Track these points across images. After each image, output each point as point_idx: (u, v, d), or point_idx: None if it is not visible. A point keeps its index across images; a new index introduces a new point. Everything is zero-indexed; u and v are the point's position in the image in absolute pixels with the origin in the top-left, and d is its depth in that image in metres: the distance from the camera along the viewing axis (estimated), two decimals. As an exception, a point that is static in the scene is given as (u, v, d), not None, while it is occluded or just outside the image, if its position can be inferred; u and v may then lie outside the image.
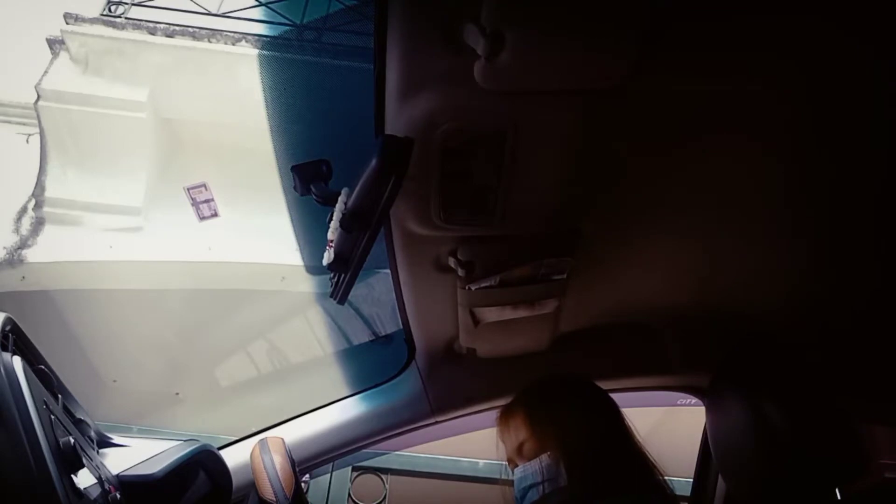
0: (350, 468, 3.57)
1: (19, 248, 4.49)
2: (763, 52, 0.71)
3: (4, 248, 4.47)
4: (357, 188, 0.79)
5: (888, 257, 1.01)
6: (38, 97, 4.47)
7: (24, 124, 4.83)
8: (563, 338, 1.23)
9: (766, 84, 0.75)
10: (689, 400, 1.43)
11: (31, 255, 4.49)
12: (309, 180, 0.86)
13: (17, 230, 4.54)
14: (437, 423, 1.36)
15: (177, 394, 4.63)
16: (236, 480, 1.21)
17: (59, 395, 0.93)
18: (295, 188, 0.87)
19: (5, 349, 0.82)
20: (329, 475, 3.50)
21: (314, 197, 0.85)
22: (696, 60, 0.71)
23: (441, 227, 0.87)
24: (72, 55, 4.55)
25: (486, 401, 1.34)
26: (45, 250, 4.51)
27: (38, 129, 4.56)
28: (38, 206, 4.59)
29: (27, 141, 4.77)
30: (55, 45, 4.60)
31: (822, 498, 1.00)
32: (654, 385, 1.38)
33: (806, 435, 0.95)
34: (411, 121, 0.73)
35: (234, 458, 1.24)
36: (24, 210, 4.60)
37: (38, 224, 4.57)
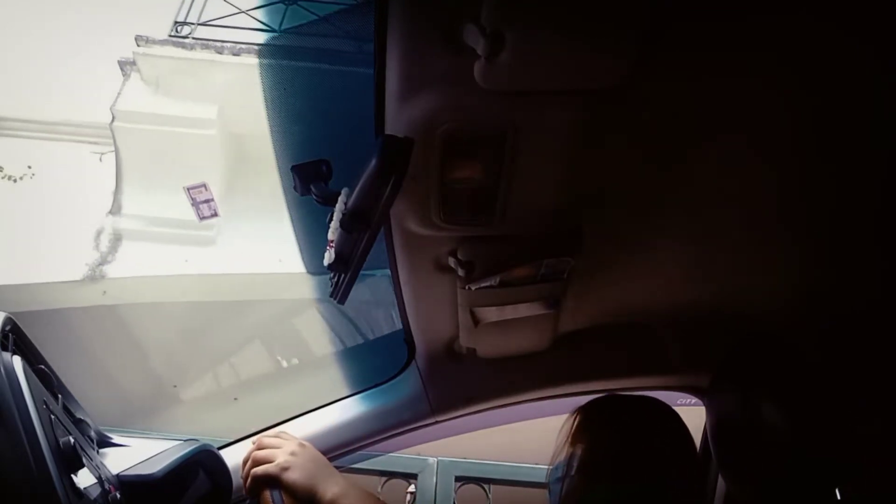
0: (453, 478, 3.56)
1: (100, 264, 4.75)
2: (763, 52, 0.71)
3: (87, 264, 4.72)
4: (357, 188, 0.79)
5: (888, 257, 1.01)
6: (113, 118, 4.69)
7: (96, 143, 5.07)
8: (563, 338, 1.23)
9: (766, 84, 0.75)
10: (689, 400, 1.43)
11: (111, 270, 4.75)
12: (309, 180, 0.86)
13: (97, 247, 4.81)
14: (437, 422, 1.35)
15: (235, 399, 4.74)
16: (236, 480, 1.21)
17: (59, 395, 0.93)
18: (295, 188, 0.87)
19: (5, 349, 0.82)
20: (434, 486, 3.52)
21: (314, 197, 0.85)
22: (696, 60, 0.71)
23: (441, 227, 0.87)
24: (143, 76, 4.78)
25: (486, 401, 1.34)
26: (124, 265, 4.77)
27: (110, 148, 4.82)
28: (115, 222, 4.84)
29: (100, 160, 5.03)
30: (126, 66, 4.83)
31: (822, 498, 1.00)
32: (654, 385, 1.38)
33: (806, 435, 0.95)
34: (411, 121, 0.73)
35: (234, 458, 1.23)
36: (102, 227, 4.86)
37: (117, 240, 4.84)
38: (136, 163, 4.76)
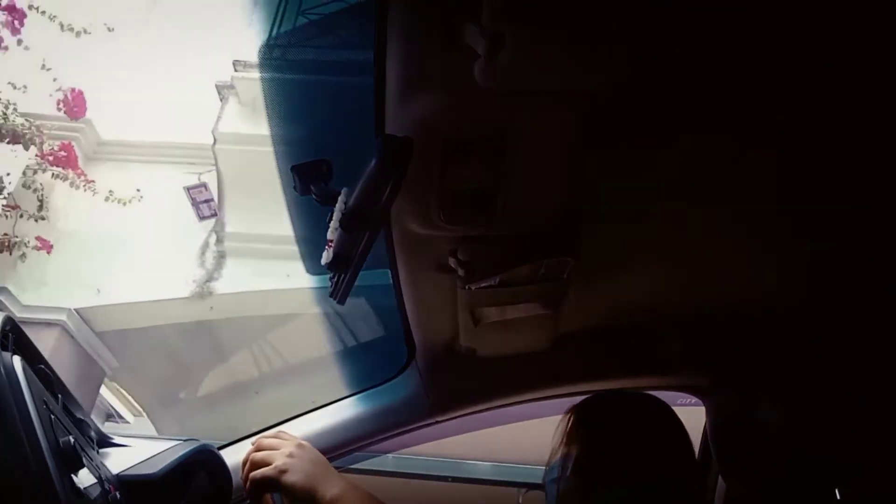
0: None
1: (207, 280, 5.00)
2: (762, 51, 0.71)
3: (194, 281, 4.99)
4: (357, 188, 0.79)
5: (889, 257, 1.01)
6: (215, 140, 4.90)
7: (193, 164, 5.28)
8: (563, 338, 1.23)
9: (766, 83, 0.75)
10: (689, 400, 1.43)
11: (218, 286, 5.01)
12: (309, 180, 0.86)
13: (202, 264, 5.07)
14: (437, 422, 1.36)
15: (313, 402, 4.89)
16: (236, 480, 1.21)
17: (59, 395, 0.93)
18: (295, 188, 0.87)
19: (5, 349, 0.82)
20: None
21: (314, 197, 0.85)
22: (695, 61, 0.71)
23: (441, 227, 0.87)
24: (240, 99, 4.99)
25: (486, 401, 1.34)
26: (229, 281, 5.02)
27: (206, 168, 5.07)
28: (219, 240, 5.08)
29: (198, 179, 5.20)
30: (223, 90, 5.06)
31: (822, 498, 1.00)
32: (654, 385, 1.38)
33: (806, 435, 0.95)
34: (411, 121, 0.73)
35: (234, 458, 1.23)
36: (206, 245, 5.11)
37: (221, 257, 5.08)
38: (236, 182, 4.96)
